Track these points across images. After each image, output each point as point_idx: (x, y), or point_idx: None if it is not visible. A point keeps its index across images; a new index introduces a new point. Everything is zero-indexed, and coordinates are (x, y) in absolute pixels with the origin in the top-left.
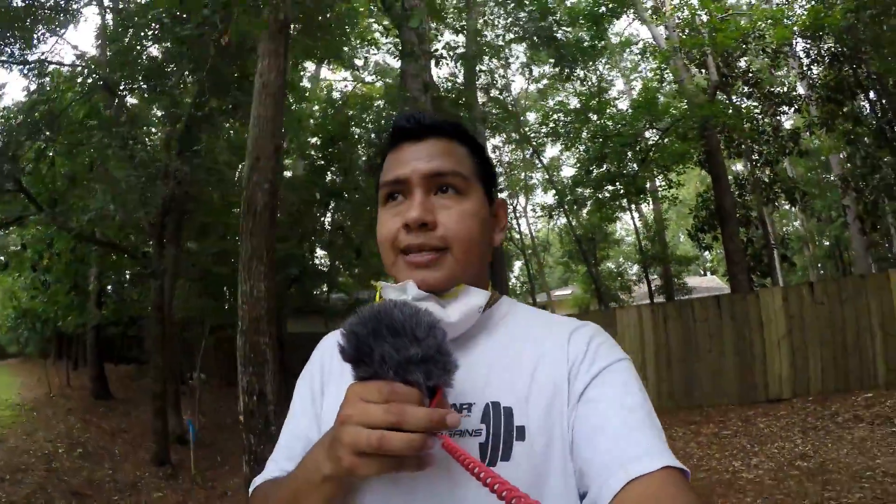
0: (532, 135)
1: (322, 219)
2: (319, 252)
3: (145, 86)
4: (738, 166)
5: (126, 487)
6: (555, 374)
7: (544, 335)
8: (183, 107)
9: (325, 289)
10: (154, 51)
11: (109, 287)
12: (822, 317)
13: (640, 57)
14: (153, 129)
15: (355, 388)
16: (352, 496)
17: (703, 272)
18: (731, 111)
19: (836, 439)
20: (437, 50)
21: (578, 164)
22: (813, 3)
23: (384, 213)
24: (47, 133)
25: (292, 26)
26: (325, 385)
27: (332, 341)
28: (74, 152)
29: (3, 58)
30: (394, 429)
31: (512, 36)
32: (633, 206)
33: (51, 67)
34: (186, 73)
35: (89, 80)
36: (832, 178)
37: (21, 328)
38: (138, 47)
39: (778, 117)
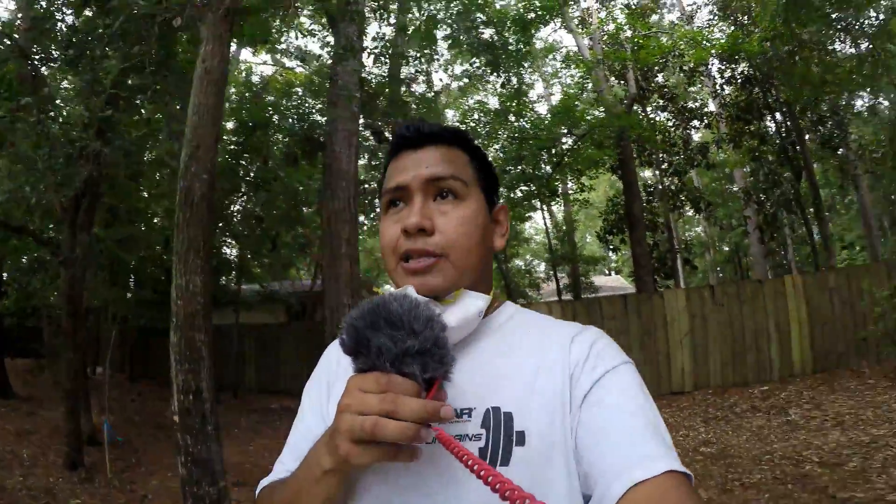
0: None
1: (235, 208)
2: (232, 242)
3: (63, 56)
4: (647, 174)
5: (41, 494)
6: (556, 379)
7: (546, 340)
8: (104, 83)
9: (237, 280)
10: (72, 19)
11: (5, 275)
12: (722, 317)
13: (562, 64)
14: (70, 106)
15: (354, 380)
16: (350, 497)
17: (608, 272)
18: (645, 123)
19: (736, 427)
20: (374, 48)
21: (495, 164)
22: (732, 28)
23: (385, 221)
24: None
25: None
26: (331, 388)
27: (338, 347)
28: None
29: None
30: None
31: (441, 34)
32: (545, 207)
33: None
34: (108, 47)
35: (10, 49)
36: (734, 189)
37: None
38: (57, 14)
39: (689, 131)
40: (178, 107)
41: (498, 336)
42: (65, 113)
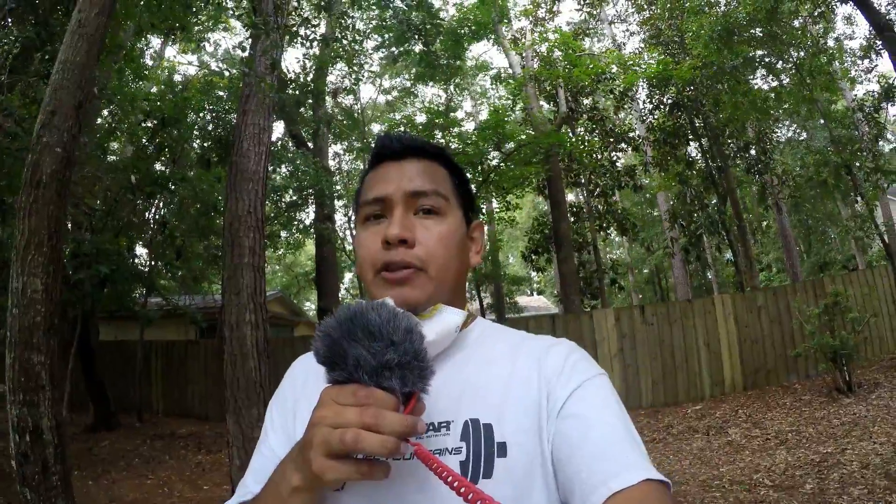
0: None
1: (146, 213)
2: (141, 251)
3: None
4: (572, 196)
5: None
6: (532, 391)
7: (521, 352)
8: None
9: (143, 292)
10: None
11: None
12: (652, 336)
13: (492, 83)
14: None
15: (330, 391)
16: None
17: (531, 292)
18: (578, 143)
19: (676, 451)
20: (293, 25)
21: None
22: (662, 56)
23: (364, 231)
24: None
25: None
26: (297, 407)
27: (303, 363)
28: None
29: None
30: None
31: (373, 43)
32: None
33: None
34: (9, 17)
35: None
36: (656, 213)
37: None
38: None
39: (616, 153)
40: None
41: (472, 349)
42: None
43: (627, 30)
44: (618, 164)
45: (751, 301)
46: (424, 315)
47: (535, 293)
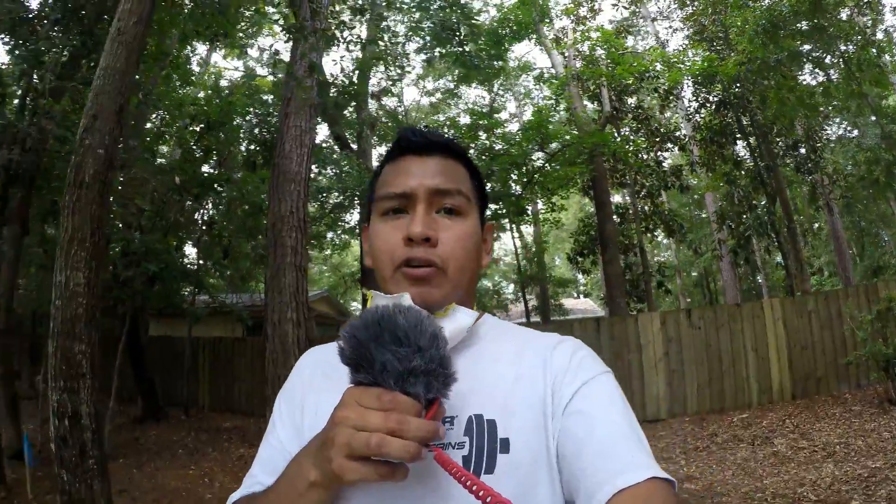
0: None
1: (195, 214)
2: (190, 250)
3: (9, 36)
4: (618, 198)
5: None
6: (538, 388)
7: (527, 350)
8: (49, 63)
9: (191, 290)
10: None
11: None
12: (698, 341)
13: (535, 82)
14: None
15: (353, 392)
16: None
17: (577, 295)
18: (621, 143)
19: (720, 460)
20: (330, 29)
21: None
22: (708, 52)
23: (383, 225)
24: None
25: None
26: (304, 400)
27: (313, 356)
28: None
29: None
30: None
31: (414, 46)
32: (514, 227)
33: None
34: (58, 24)
35: None
36: (704, 214)
37: None
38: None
39: (662, 153)
40: None
41: (479, 346)
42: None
43: (670, 26)
44: (664, 164)
45: (801, 305)
46: (439, 314)
47: (581, 296)
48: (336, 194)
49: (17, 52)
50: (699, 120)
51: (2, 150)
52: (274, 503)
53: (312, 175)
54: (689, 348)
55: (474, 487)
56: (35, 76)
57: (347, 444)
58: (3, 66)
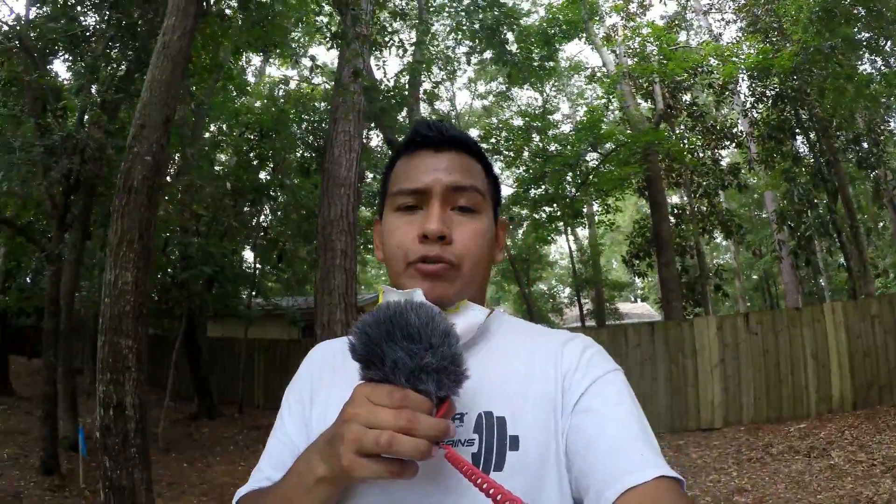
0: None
1: (253, 219)
2: (248, 254)
3: (69, 53)
4: (675, 198)
5: (7, 498)
6: (548, 385)
7: (537, 347)
8: (103, 77)
9: (249, 293)
10: (86, 17)
11: (28, 274)
12: (756, 346)
13: (587, 82)
14: (76, 102)
15: (364, 389)
16: None
17: (634, 299)
18: (674, 141)
19: (773, 472)
20: (372, 35)
21: (517, 184)
22: (763, 44)
23: (397, 220)
24: None
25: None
26: (313, 394)
27: (322, 351)
28: None
29: None
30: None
31: (464, 49)
32: (569, 229)
33: None
34: (113, 41)
35: (12, 41)
36: (764, 214)
37: None
38: (69, 11)
39: (718, 151)
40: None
41: (489, 343)
42: (68, 112)
43: (723, 19)
44: (721, 162)
45: (864, 309)
46: (450, 310)
47: (638, 300)
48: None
49: (75, 67)
50: (756, 115)
51: (62, 160)
52: (282, 498)
53: (367, 179)
54: (746, 354)
55: (485, 486)
56: (93, 90)
57: (357, 441)
58: (64, 82)
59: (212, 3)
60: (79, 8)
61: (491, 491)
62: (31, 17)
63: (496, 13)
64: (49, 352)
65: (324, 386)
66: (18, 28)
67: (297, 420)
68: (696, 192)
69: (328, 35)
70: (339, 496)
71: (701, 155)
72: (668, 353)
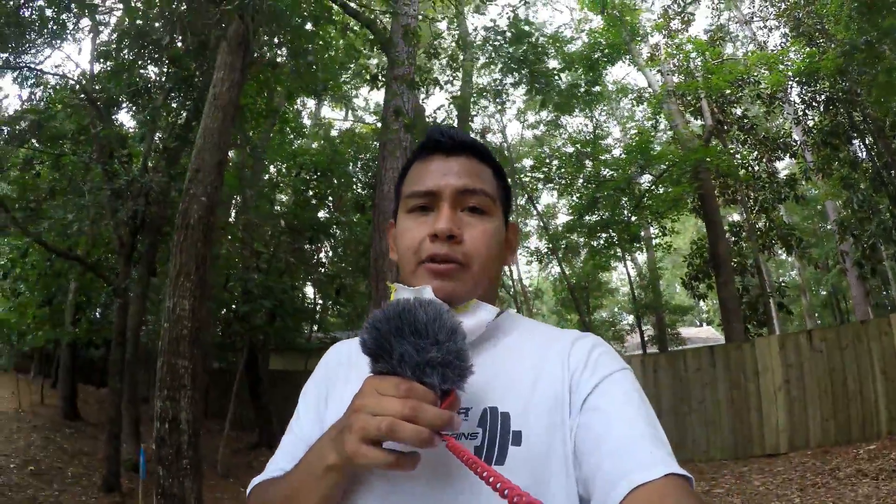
0: (526, 180)
1: (314, 255)
2: (309, 289)
3: (132, 104)
4: (735, 216)
5: None
6: (556, 383)
7: (546, 345)
8: (163, 126)
9: (310, 326)
10: (147, 70)
11: (97, 308)
12: (821, 365)
13: (634, 103)
14: (140, 149)
15: (372, 381)
16: (350, 498)
17: (699, 323)
18: (724, 156)
19: (838, 498)
20: (408, 77)
21: (571, 211)
22: (808, 48)
23: (409, 221)
24: (34, 143)
25: (278, 57)
26: (329, 391)
27: (337, 351)
28: (60, 165)
29: None
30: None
31: (510, 80)
32: (626, 254)
33: (47, 77)
34: (172, 92)
35: (79, 95)
36: (828, 226)
37: None
38: (132, 65)
39: (773, 163)
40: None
41: (500, 342)
42: (133, 158)
43: (765, 26)
44: (777, 175)
45: None
46: (460, 309)
47: (703, 323)
48: None
49: (138, 117)
50: (809, 123)
51: (128, 202)
52: (293, 484)
53: None
54: (811, 374)
55: (485, 475)
56: (155, 137)
57: (362, 429)
58: (128, 130)
59: (263, 50)
60: (139, 62)
61: (491, 479)
62: (96, 71)
63: (525, 48)
64: (115, 379)
65: (338, 384)
66: (84, 83)
67: (313, 416)
68: (752, 208)
69: (367, 78)
70: (345, 484)
71: (756, 168)
72: (729, 377)
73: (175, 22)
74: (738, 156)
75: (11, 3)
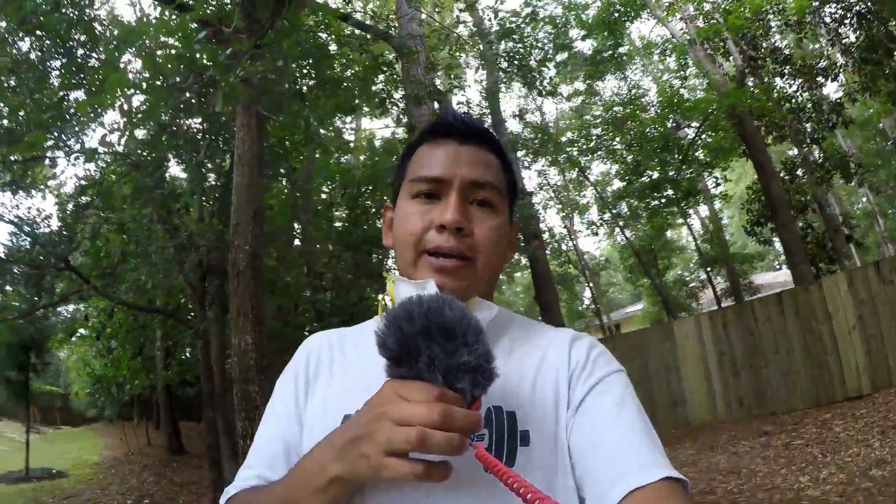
0: (574, 152)
1: (381, 265)
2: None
3: (178, 160)
4: (791, 152)
5: None
6: (557, 380)
7: (544, 344)
8: (211, 170)
9: None
10: (186, 128)
11: (186, 349)
12: (894, 297)
13: (660, 57)
14: (188, 200)
15: (394, 386)
16: None
17: (778, 266)
18: (757, 93)
19: None
20: (412, 94)
21: (620, 176)
22: None
23: (412, 207)
24: (100, 213)
25: (303, 85)
26: (310, 386)
27: (318, 341)
28: (125, 229)
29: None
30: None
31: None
32: (685, 210)
33: (97, 148)
34: (212, 143)
35: (126, 163)
36: (888, 145)
37: (97, 394)
38: (170, 126)
39: (816, 90)
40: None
41: (498, 341)
42: (188, 210)
43: None
44: (825, 102)
45: None
46: None
47: (782, 266)
48: None
49: (187, 171)
50: (845, 42)
51: (192, 253)
52: (284, 498)
53: None
54: (886, 307)
55: (515, 484)
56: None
57: (389, 441)
58: (181, 183)
59: (294, 84)
60: (177, 120)
61: (522, 490)
62: (140, 136)
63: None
64: (208, 410)
65: (320, 379)
66: (129, 150)
67: (292, 413)
68: (802, 141)
69: (377, 100)
70: (348, 496)
71: (800, 98)
72: (800, 322)
73: (192, 103)
74: (777, 89)
75: (55, 98)
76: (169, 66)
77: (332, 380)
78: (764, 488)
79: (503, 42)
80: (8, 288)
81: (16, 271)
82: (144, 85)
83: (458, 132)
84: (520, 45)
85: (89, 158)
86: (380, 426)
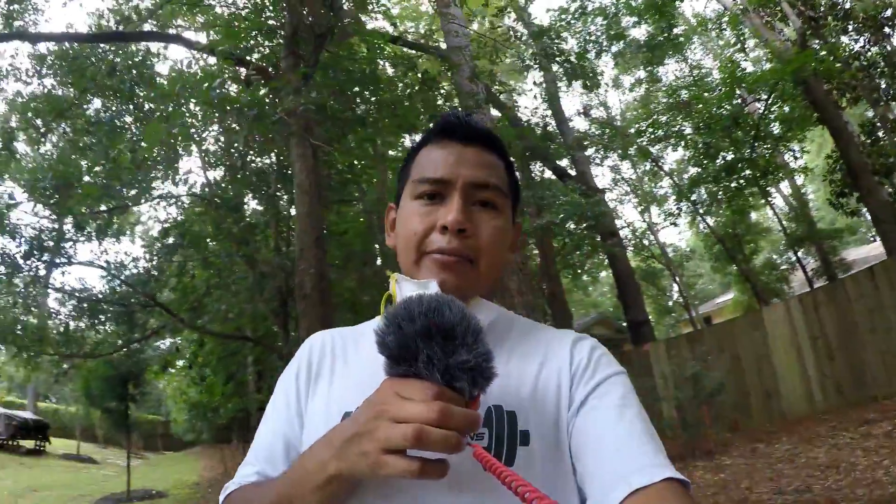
0: (643, 142)
1: None
2: None
3: (252, 196)
4: (871, 112)
5: None
6: (558, 381)
7: (546, 345)
8: (280, 209)
9: None
10: (255, 165)
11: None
12: None
13: (717, 32)
14: (264, 233)
15: (393, 384)
16: None
17: (872, 238)
18: (822, 55)
19: None
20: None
21: (691, 161)
22: None
23: (415, 207)
24: (182, 251)
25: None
26: (312, 384)
27: (321, 339)
28: (208, 264)
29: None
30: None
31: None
32: (766, 189)
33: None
34: (283, 176)
35: (205, 204)
36: None
37: (194, 419)
38: (240, 167)
39: (885, 43)
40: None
41: (499, 341)
42: (266, 241)
43: None
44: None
45: None
46: None
47: (876, 238)
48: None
49: (260, 204)
50: None
51: (270, 282)
52: (283, 495)
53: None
54: None
55: (513, 483)
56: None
57: (387, 440)
58: (257, 216)
59: (354, 110)
60: (248, 160)
61: (520, 489)
62: (214, 178)
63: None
64: None
65: (323, 377)
66: (207, 192)
67: (291, 411)
68: (878, 100)
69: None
70: (347, 494)
71: (869, 54)
72: (895, 296)
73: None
74: (842, 47)
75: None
76: (226, 108)
77: (333, 378)
78: (864, 483)
79: (551, 40)
80: (104, 327)
81: (109, 311)
82: (175, 130)
83: (462, 134)
84: (557, 41)
85: (169, 202)
86: (378, 424)
